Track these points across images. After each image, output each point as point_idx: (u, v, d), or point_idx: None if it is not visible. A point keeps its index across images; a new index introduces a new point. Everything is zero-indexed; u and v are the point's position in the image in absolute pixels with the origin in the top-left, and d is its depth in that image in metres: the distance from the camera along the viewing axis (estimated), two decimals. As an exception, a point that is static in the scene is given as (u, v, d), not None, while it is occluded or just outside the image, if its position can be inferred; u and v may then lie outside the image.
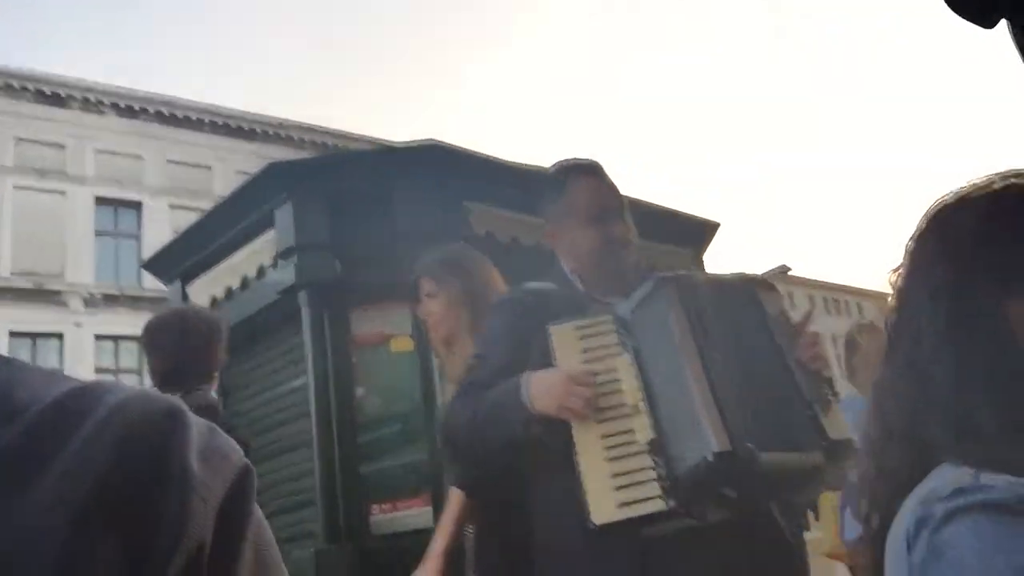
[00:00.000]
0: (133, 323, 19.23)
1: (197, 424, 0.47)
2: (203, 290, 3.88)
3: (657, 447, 1.56)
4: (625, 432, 1.61)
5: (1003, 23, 0.92)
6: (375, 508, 3.12)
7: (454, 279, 2.24)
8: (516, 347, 1.79)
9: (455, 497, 2.08)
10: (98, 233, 19.86)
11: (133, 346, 19.47)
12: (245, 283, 3.63)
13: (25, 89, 19.51)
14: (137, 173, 20.51)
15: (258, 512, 0.48)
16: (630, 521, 1.54)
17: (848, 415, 1.63)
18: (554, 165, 2.04)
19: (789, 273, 40.38)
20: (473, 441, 1.75)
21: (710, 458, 1.47)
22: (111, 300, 19.30)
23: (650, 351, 1.66)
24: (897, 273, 0.91)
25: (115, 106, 20.65)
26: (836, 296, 43.67)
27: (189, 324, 2.43)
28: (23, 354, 16.44)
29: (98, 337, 18.97)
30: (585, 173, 1.96)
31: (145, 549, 0.41)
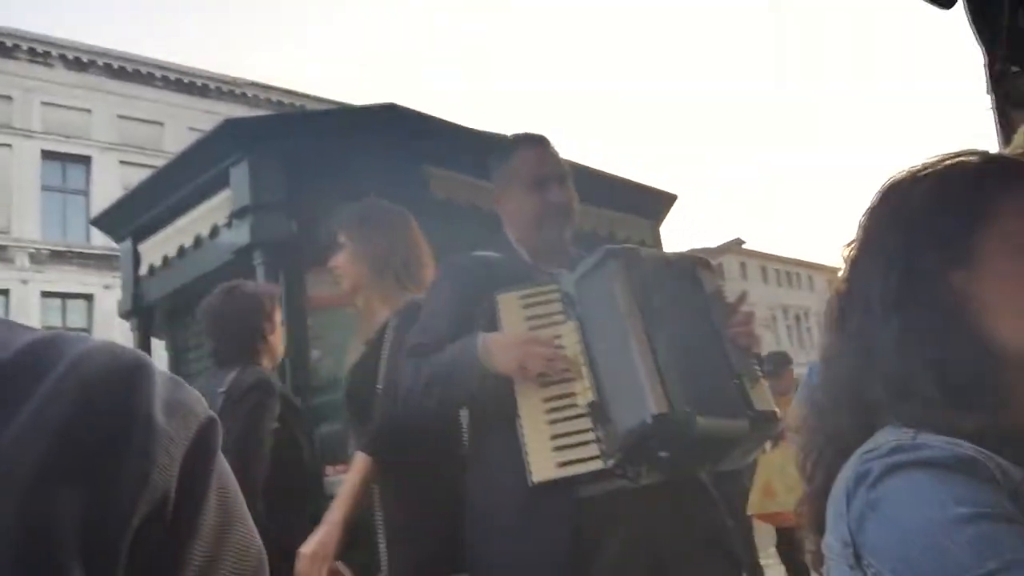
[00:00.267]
0: (81, 280, 18.88)
1: (161, 376, 0.47)
2: (156, 249, 3.80)
3: (597, 410, 1.62)
4: (567, 396, 1.67)
5: (959, 6, 0.93)
6: (329, 470, 3.11)
7: (360, 233, 2.25)
8: (463, 313, 1.82)
9: (360, 463, 1.99)
10: (45, 188, 19.31)
11: (81, 304, 19.07)
12: (199, 242, 3.55)
13: (-32, 36, 18.85)
14: (86, 128, 19.94)
15: (224, 464, 0.48)
16: (568, 480, 1.60)
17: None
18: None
19: (743, 246, 40.97)
20: (425, 401, 1.76)
21: (649, 420, 1.53)
22: (58, 257, 18.86)
23: (594, 320, 1.71)
24: (849, 247, 0.94)
25: (63, 58, 19.99)
26: (788, 269, 44.43)
27: (227, 302, 2.48)
28: (-34, 310, 16.06)
29: (44, 294, 18.54)
30: (531, 141, 2.02)
31: (109, 501, 0.41)
